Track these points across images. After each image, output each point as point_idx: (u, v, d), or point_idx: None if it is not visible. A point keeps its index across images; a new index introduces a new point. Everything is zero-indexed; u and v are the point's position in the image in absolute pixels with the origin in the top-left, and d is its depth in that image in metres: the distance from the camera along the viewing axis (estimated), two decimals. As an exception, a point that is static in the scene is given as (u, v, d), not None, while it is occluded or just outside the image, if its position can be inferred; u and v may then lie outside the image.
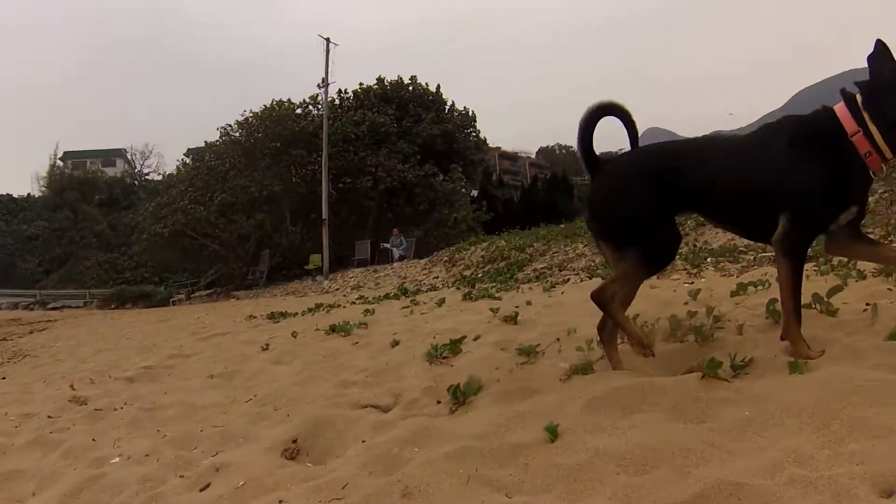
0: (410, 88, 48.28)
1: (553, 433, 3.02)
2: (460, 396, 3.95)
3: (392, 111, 44.94)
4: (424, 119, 45.79)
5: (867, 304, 4.27)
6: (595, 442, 2.89)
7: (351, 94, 47.50)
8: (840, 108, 3.43)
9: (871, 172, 3.40)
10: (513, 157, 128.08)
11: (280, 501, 3.05)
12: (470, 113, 50.89)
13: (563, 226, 22.83)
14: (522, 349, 4.84)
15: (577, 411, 3.28)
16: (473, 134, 51.76)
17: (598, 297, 3.88)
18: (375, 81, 47.95)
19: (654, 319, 4.96)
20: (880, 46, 3.33)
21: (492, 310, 7.42)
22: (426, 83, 49.24)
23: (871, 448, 2.37)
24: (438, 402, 4.11)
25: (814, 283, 5.44)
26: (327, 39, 37.82)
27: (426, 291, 14.37)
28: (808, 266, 6.62)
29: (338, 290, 23.48)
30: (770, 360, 3.53)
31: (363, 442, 3.62)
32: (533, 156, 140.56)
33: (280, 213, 40.15)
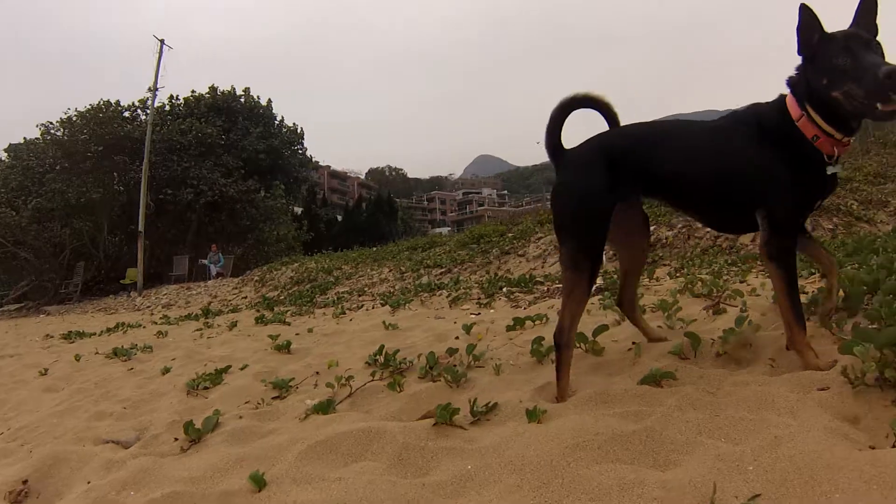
0: (242, 100, 47.42)
1: (259, 483, 2.78)
2: (194, 434, 3.71)
3: (221, 122, 43.89)
4: (252, 133, 45.02)
5: (633, 343, 4.20)
6: (298, 495, 2.64)
7: (182, 100, 46.18)
8: (789, 94, 3.20)
9: (826, 158, 3.10)
10: (342, 177, 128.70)
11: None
12: (298, 129, 50.55)
13: (375, 249, 22.85)
14: (276, 383, 4.71)
15: (295, 458, 3.04)
16: (300, 151, 51.29)
17: (556, 340, 3.49)
18: (207, 90, 46.83)
19: (416, 356, 4.76)
20: (806, 15, 3.02)
21: (270, 337, 7.28)
22: (258, 96, 48.64)
23: (583, 514, 2.15)
24: (176, 439, 3.84)
25: (595, 318, 5.39)
26: (161, 41, 35.89)
27: (227, 313, 14.00)
28: (592, 300, 6.62)
29: (149, 307, 22.78)
30: (516, 406, 3.34)
31: (88, 483, 3.32)
32: (362, 176, 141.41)
33: (98, 222, 37.88)
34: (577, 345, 4.26)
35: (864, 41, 2.90)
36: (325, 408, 3.87)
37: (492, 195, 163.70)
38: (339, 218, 69.08)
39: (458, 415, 3.22)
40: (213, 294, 22.32)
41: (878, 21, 3.03)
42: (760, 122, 3.26)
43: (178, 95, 46.30)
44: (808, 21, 3.01)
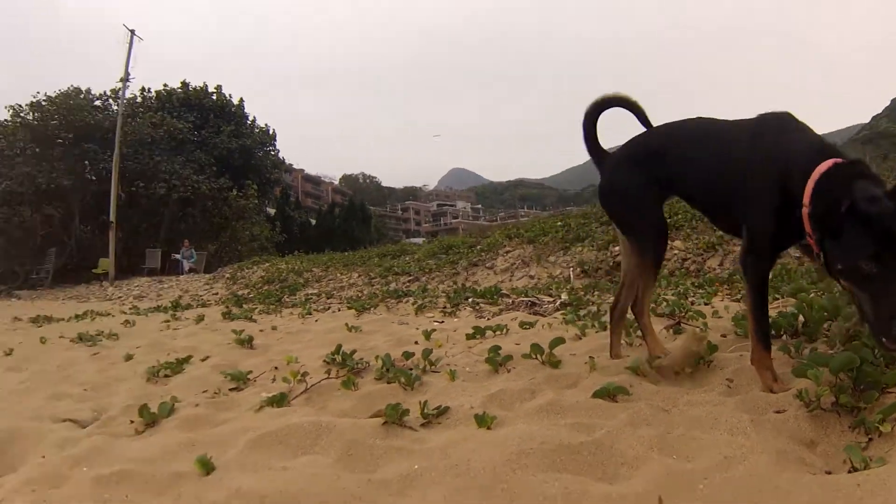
0: (214, 97, 47.11)
1: (206, 467, 2.76)
2: (149, 418, 3.72)
3: (192, 118, 43.63)
4: (224, 131, 44.65)
5: (590, 357, 4.16)
6: (243, 481, 2.60)
7: (154, 93, 45.80)
8: (816, 172, 2.85)
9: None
10: (316, 181, 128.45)
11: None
12: (271, 131, 50.35)
13: (346, 253, 22.79)
14: (234, 375, 4.70)
15: (244, 446, 3.03)
16: (273, 152, 51.10)
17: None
18: (180, 85, 46.50)
19: (374, 357, 4.70)
20: (840, 170, 2.81)
21: (234, 332, 7.26)
22: (229, 94, 48.31)
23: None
24: (132, 421, 3.81)
25: (555, 332, 5.35)
26: (132, 31, 35.38)
27: (196, 307, 13.80)
28: (557, 314, 6.57)
29: (120, 297, 22.45)
30: (467, 411, 3.29)
31: (43, 457, 3.30)
32: (336, 182, 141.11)
33: (70, 210, 37.31)
34: (533, 356, 4.28)
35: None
36: (279, 401, 3.84)
37: (466, 208, 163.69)
38: (313, 221, 68.88)
39: (409, 416, 3.20)
40: (185, 289, 22.12)
41: None
42: (778, 163, 3.06)
43: (149, 88, 46.01)
44: (837, 178, 2.78)
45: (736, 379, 3.41)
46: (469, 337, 5.66)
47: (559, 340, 4.36)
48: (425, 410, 3.25)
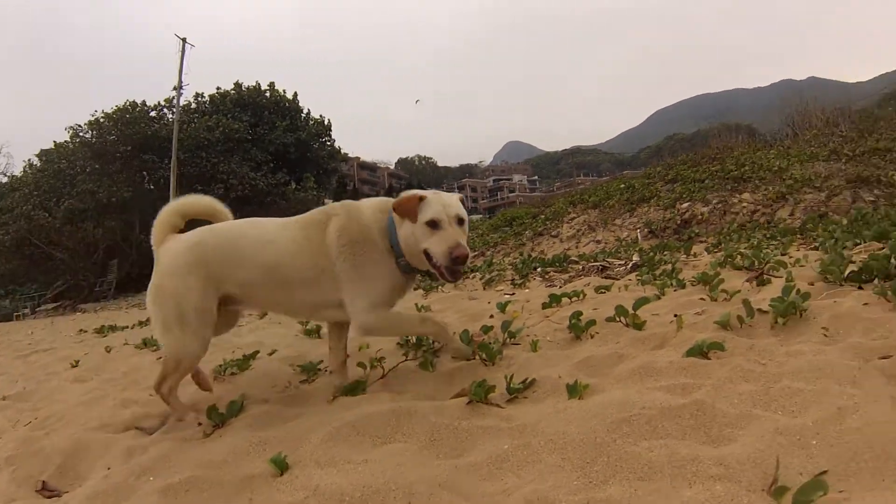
0: (267, 94, 47.36)
1: (280, 466, 2.66)
2: (217, 419, 3.60)
3: (247, 117, 43.95)
4: (279, 126, 44.87)
5: (675, 315, 4.03)
6: (321, 478, 2.50)
7: (207, 98, 46.29)
8: None
9: None
10: (372, 168, 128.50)
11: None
12: (326, 122, 50.32)
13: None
14: (304, 366, 4.56)
15: (320, 440, 2.92)
16: (328, 143, 51.07)
17: None
18: (233, 86, 46.87)
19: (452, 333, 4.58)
20: None
21: (301, 323, 7.18)
22: (283, 90, 48.43)
23: (632, 493, 2.00)
24: (200, 423, 3.72)
25: (634, 293, 5.21)
26: (183, 40, 36.00)
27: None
28: (629, 276, 6.42)
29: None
30: (555, 382, 3.18)
31: (108, 469, 3.25)
32: (392, 166, 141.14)
33: (130, 221, 38.03)
34: (617, 318, 4.18)
35: None
36: (354, 389, 3.73)
37: (522, 181, 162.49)
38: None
39: (494, 393, 3.09)
40: None
41: None
42: None
43: (203, 93, 46.52)
44: None
45: (832, 326, 3.28)
46: (545, 306, 5.52)
47: (643, 301, 4.25)
48: (511, 385, 3.14)
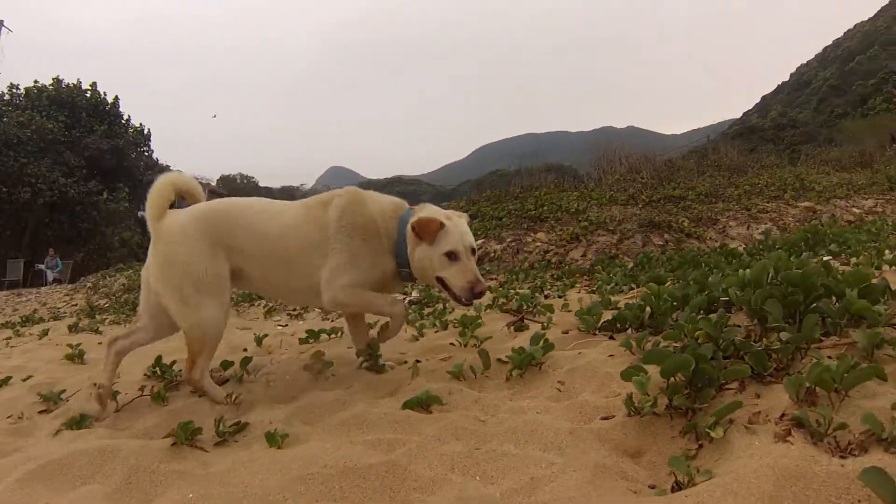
0: (88, 95, 44.56)
1: None
2: None
3: (63, 117, 41.04)
4: (97, 131, 42.21)
5: (416, 361, 3.97)
6: None
7: (23, 91, 42.95)
8: None
9: None
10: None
11: None
12: (146, 130, 47.97)
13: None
14: (46, 395, 4.17)
15: (17, 480, 2.62)
16: (147, 153, 48.83)
17: None
18: (51, 82, 43.70)
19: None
20: None
21: (70, 346, 6.54)
22: (104, 92, 45.67)
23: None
24: None
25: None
26: (0, 21, 33.19)
27: (49, 321, 12.82)
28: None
29: (-30, 316, 20.95)
30: (265, 427, 2.97)
31: None
32: (213, 183, 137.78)
33: None
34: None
35: None
36: (78, 423, 3.44)
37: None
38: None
39: (202, 434, 2.88)
40: (44, 301, 20.61)
41: None
42: None
43: (18, 84, 43.29)
44: None
45: (568, 381, 3.18)
46: (302, 341, 5.27)
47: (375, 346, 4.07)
48: (220, 428, 2.92)
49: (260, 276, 3.91)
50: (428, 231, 3.57)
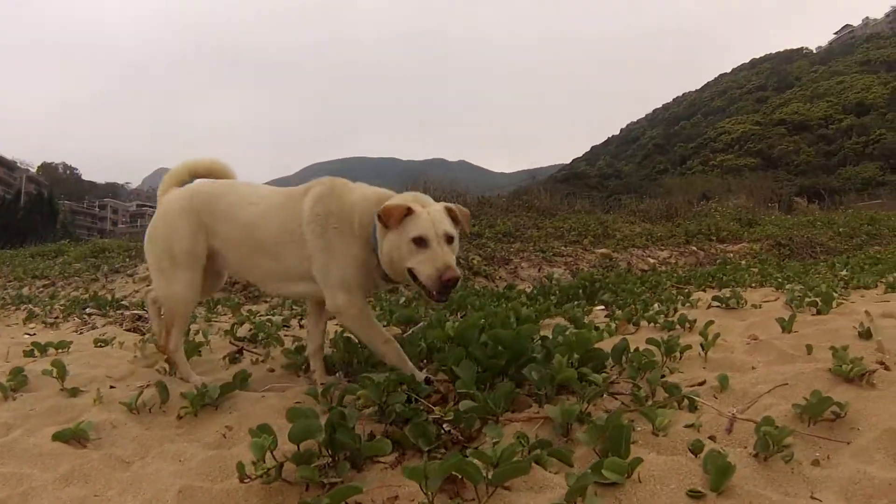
0: None
1: None
2: None
3: None
4: None
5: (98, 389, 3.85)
6: None
7: None
8: None
9: None
10: (10, 166, 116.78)
11: None
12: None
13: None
14: None
15: None
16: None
17: None
18: None
19: None
20: None
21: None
22: None
23: None
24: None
25: (127, 351, 4.89)
26: None
27: None
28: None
29: None
30: None
31: None
32: (33, 170, 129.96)
33: None
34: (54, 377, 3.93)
35: None
36: None
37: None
38: (-4, 212, 63.18)
39: None
40: None
41: None
42: None
43: None
44: None
45: (237, 426, 3.10)
46: (27, 354, 5.14)
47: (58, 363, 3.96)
48: None
49: (235, 260, 4.05)
50: (392, 216, 3.38)
